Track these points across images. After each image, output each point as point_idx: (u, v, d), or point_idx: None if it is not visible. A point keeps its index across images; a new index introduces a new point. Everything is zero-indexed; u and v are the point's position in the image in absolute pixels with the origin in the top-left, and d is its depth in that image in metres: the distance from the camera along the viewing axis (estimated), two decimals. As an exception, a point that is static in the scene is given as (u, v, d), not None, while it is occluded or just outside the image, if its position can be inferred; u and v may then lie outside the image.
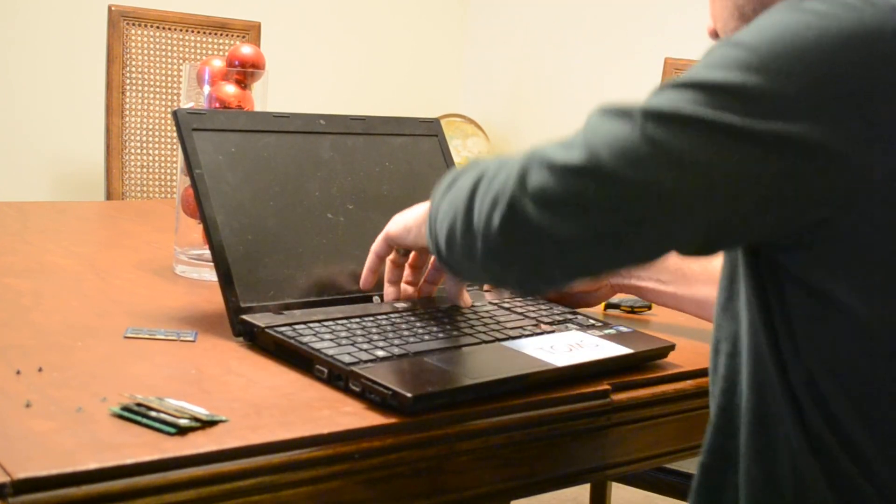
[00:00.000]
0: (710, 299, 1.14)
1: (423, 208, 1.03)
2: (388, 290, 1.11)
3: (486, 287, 1.20)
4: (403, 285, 1.12)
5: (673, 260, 1.18)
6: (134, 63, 2.34)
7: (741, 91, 0.72)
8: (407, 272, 1.12)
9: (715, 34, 0.94)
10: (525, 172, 0.75)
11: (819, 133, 0.72)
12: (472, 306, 1.12)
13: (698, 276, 1.17)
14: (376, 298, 1.11)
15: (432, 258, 1.12)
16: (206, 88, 1.29)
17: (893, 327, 0.78)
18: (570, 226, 0.73)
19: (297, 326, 0.98)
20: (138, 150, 2.36)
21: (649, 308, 1.27)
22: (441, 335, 1.01)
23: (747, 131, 0.72)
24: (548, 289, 0.85)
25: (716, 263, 1.16)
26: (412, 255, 1.11)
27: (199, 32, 2.42)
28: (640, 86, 3.16)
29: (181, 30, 2.40)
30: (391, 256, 1.09)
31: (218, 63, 1.30)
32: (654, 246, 0.76)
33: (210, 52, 2.41)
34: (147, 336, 1.00)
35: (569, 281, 0.81)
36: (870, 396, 0.79)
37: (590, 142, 0.73)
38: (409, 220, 1.05)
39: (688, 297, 1.18)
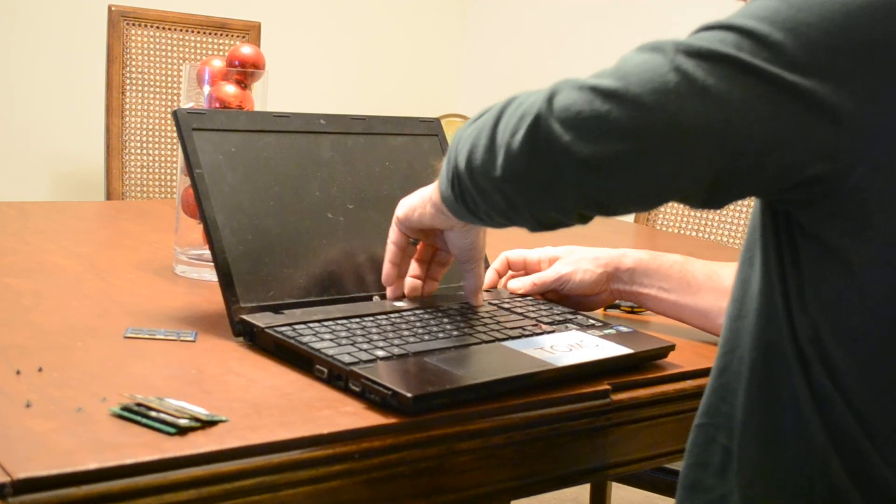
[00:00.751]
0: (713, 309, 1.14)
1: (429, 189, 1.04)
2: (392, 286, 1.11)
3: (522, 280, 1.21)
4: (408, 279, 1.12)
5: (677, 268, 1.17)
6: (134, 63, 2.34)
7: (767, 39, 0.76)
8: (413, 266, 1.12)
9: None
10: (554, 93, 0.79)
11: (830, 91, 0.76)
12: (472, 307, 1.12)
13: (702, 284, 1.16)
14: (376, 298, 1.11)
15: (434, 251, 1.13)
16: (206, 88, 1.29)
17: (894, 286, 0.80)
18: (590, 145, 0.76)
19: (297, 326, 0.98)
20: (138, 150, 2.36)
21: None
22: (441, 335, 1.01)
23: (767, 76, 0.75)
24: (557, 221, 0.85)
25: (721, 273, 1.16)
26: (418, 247, 1.11)
27: (199, 32, 2.42)
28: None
29: (181, 30, 2.40)
30: (403, 241, 1.09)
31: (218, 63, 1.30)
32: (668, 180, 0.78)
33: (210, 52, 2.41)
34: (147, 336, 1.00)
35: (579, 212, 0.83)
36: (871, 354, 0.81)
37: (621, 69, 0.78)
38: (414, 201, 1.06)
39: (690, 306, 1.17)
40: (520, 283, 1.22)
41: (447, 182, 0.92)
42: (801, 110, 0.76)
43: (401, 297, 1.11)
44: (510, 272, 1.26)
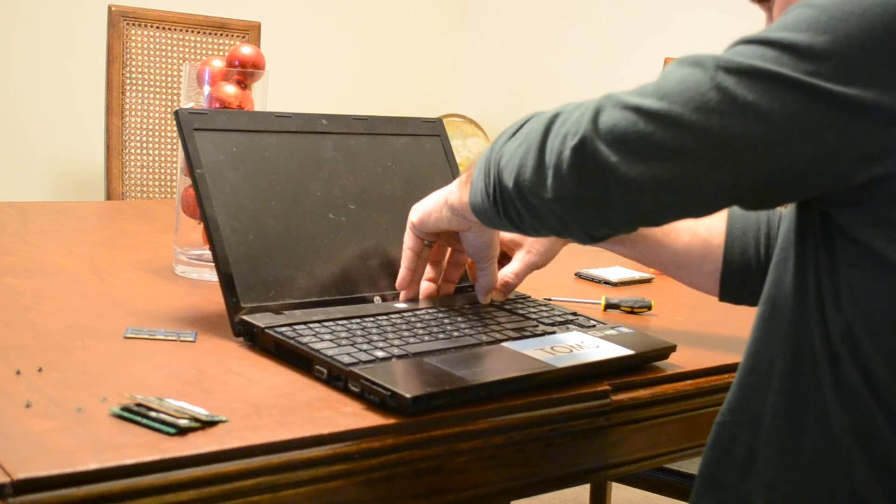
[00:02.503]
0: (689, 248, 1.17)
1: (443, 193, 1.05)
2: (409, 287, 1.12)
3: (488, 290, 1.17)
4: (424, 282, 1.13)
5: None
6: (134, 63, 2.34)
7: (808, 51, 0.76)
8: (428, 269, 1.13)
9: None
10: (598, 112, 0.79)
11: (875, 95, 0.76)
12: (472, 306, 1.12)
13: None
14: (377, 299, 1.11)
15: (448, 251, 1.14)
16: (207, 88, 1.29)
17: None
18: (637, 166, 0.77)
19: (297, 327, 0.98)
20: (138, 150, 2.36)
21: (650, 308, 1.27)
22: (441, 336, 1.00)
23: (810, 89, 0.76)
24: (608, 234, 0.86)
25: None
26: (433, 249, 1.12)
27: (199, 32, 2.42)
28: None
29: (181, 30, 2.40)
30: (419, 246, 1.10)
31: (218, 63, 1.30)
32: (716, 194, 0.80)
33: (210, 52, 2.41)
34: (147, 336, 1.00)
35: (629, 227, 0.85)
36: None
37: (662, 87, 0.78)
38: (428, 205, 1.06)
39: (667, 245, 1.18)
40: (499, 295, 1.18)
41: (484, 194, 0.93)
42: (846, 119, 0.76)
43: (415, 300, 1.11)
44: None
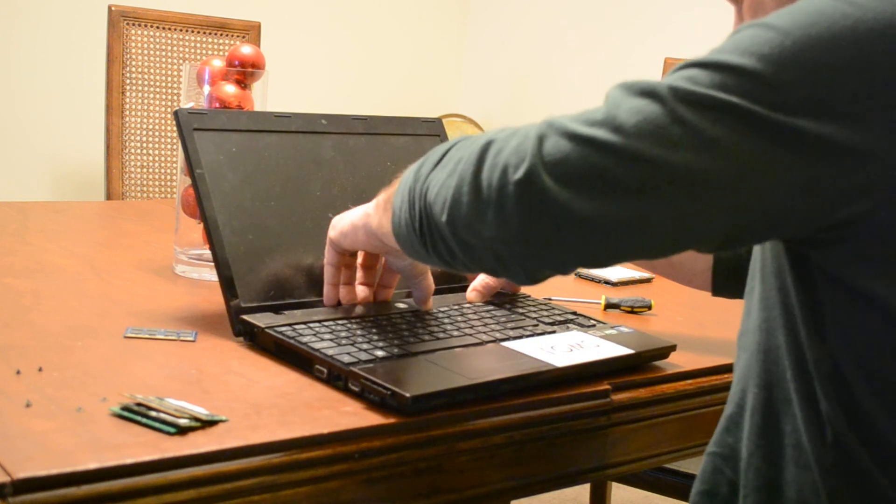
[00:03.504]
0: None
1: (359, 214, 0.98)
2: (342, 293, 1.05)
3: (470, 290, 1.16)
4: (358, 286, 1.07)
5: None
6: (134, 63, 2.34)
7: (772, 82, 0.70)
8: (359, 273, 1.07)
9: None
10: (542, 140, 0.72)
11: (847, 132, 0.70)
12: (472, 306, 1.12)
13: None
14: (376, 298, 1.11)
15: (382, 260, 1.07)
16: (206, 88, 1.29)
17: None
18: (592, 204, 0.70)
19: (297, 326, 0.98)
20: (138, 150, 2.36)
21: (650, 308, 1.27)
22: (441, 335, 1.00)
23: (777, 125, 0.70)
24: (550, 275, 0.78)
25: None
26: (362, 254, 1.06)
27: (199, 32, 2.42)
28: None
29: (181, 30, 2.40)
30: (339, 261, 1.04)
31: (218, 63, 1.30)
32: (676, 236, 0.73)
33: (210, 52, 2.41)
34: (147, 336, 1.00)
35: (576, 267, 0.77)
36: None
37: (613, 116, 0.71)
38: (344, 225, 1.00)
39: None
40: (476, 295, 1.15)
41: (410, 227, 0.84)
42: (820, 157, 0.70)
43: (353, 304, 1.06)
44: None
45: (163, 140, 2.39)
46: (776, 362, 0.82)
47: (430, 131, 1.27)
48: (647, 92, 0.71)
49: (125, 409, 0.79)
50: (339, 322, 1.00)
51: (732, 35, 0.74)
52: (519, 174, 0.71)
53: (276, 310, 1.02)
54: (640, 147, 0.69)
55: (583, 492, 2.48)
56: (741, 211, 0.72)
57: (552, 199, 0.70)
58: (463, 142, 0.81)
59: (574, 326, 1.10)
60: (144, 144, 2.37)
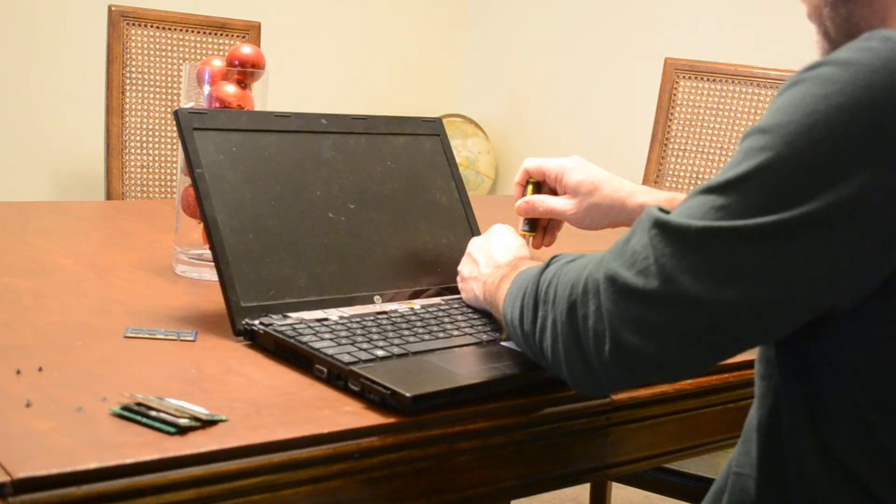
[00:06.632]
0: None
1: (491, 279, 1.04)
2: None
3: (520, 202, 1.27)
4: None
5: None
6: (134, 63, 2.34)
7: (772, 188, 0.75)
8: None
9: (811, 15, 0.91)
10: (612, 301, 0.78)
11: (851, 201, 0.73)
12: (472, 306, 1.12)
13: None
14: (377, 298, 1.11)
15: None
16: (206, 88, 1.29)
17: None
18: (674, 350, 0.78)
19: (297, 326, 0.98)
20: (138, 150, 2.36)
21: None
22: (441, 335, 1.01)
23: (793, 226, 0.74)
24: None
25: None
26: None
27: (199, 32, 2.42)
28: (640, 86, 3.16)
29: (181, 30, 2.40)
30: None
31: (218, 63, 1.30)
32: (748, 345, 0.80)
33: (210, 52, 2.41)
34: (147, 336, 1.00)
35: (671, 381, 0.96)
36: None
37: (663, 266, 0.76)
38: (477, 290, 1.09)
39: None
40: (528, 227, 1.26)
41: (522, 341, 0.92)
42: (849, 252, 0.74)
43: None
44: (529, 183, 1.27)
45: (163, 140, 2.39)
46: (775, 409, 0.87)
47: (430, 131, 1.27)
48: (678, 233, 0.77)
49: (125, 408, 0.79)
50: (339, 321, 1.00)
51: (736, 153, 0.79)
52: (609, 341, 0.79)
53: (276, 309, 1.02)
54: (697, 291, 0.76)
55: (583, 492, 2.48)
56: (792, 316, 0.78)
57: (642, 354, 0.78)
58: (545, 288, 0.87)
59: (574, 326, 1.10)
60: (144, 144, 2.37)
